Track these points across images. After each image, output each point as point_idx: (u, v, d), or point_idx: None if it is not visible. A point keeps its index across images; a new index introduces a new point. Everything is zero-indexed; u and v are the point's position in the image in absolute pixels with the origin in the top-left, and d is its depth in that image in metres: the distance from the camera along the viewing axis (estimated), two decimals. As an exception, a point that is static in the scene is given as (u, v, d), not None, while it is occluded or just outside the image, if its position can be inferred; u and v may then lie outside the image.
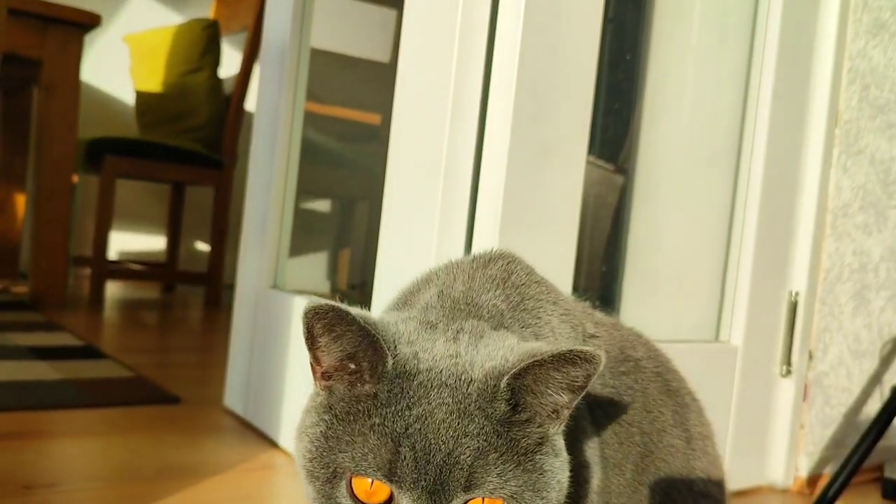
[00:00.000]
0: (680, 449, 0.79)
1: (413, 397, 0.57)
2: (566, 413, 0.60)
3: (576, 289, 1.24)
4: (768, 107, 1.55)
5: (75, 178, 3.26)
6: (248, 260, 1.79)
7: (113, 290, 4.03)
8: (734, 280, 1.57)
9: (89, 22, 2.97)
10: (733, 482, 1.51)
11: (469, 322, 0.64)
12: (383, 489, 0.56)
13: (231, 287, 2.10)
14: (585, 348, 0.56)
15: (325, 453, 0.58)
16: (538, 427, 0.59)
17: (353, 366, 0.59)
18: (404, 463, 0.55)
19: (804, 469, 1.64)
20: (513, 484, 0.57)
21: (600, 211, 1.76)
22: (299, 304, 1.54)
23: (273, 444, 1.54)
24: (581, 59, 1.19)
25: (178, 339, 2.96)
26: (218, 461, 1.42)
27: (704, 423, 0.85)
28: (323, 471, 0.58)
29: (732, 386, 1.52)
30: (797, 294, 1.60)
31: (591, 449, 0.71)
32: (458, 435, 0.56)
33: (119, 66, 3.96)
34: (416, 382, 0.57)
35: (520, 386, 0.57)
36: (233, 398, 1.76)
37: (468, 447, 0.56)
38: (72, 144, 3.00)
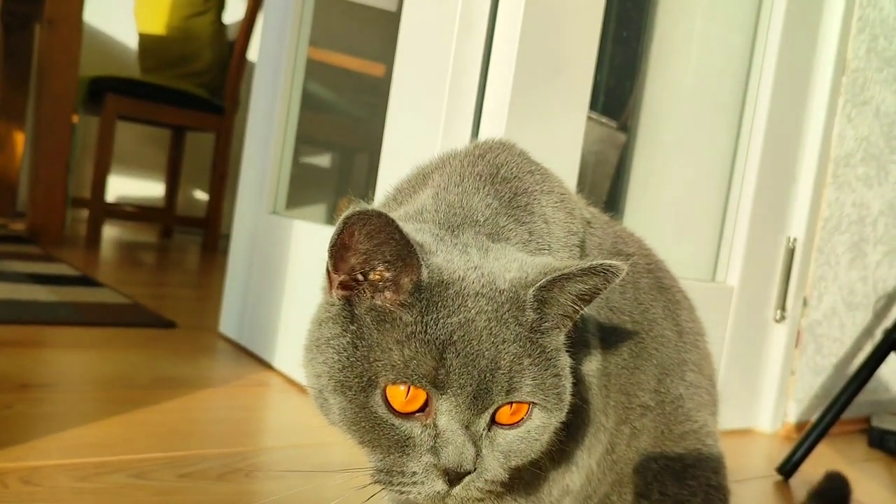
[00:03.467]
0: (671, 340, 0.80)
1: (452, 306, 0.57)
2: (577, 317, 0.62)
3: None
4: (775, 53, 1.54)
5: (75, 118, 3.24)
6: (247, 186, 1.79)
7: (110, 232, 4.03)
8: (733, 222, 1.57)
9: (94, -44, 2.94)
10: (722, 423, 1.52)
11: (468, 234, 0.65)
12: (419, 397, 0.57)
13: (227, 236, 2.10)
14: (611, 262, 0.57)
15: (356, 363, 0.57)
16: (558, 334, 0.61)
17: (388, 274, 0.58)
18: (451, 369, 0.55)
19: (793, 415, 1.65)
20: (542, 388, 0.58)
21: (602, 168, 1.76)
22: (299, 229, 1.55)
23: (268, 365, 1.55)
24: (587, 9, 1.18)
25: (174, 276, 2.97)
26: (212, 376, 1.43)
27: (696, 321, 0.86)
28: (357, 380, 0.57)
29: (726, 327, 1.53)
30: (795, 240, 1.60)
31: (592, 333, 0.72)
32: (498, 341, 0.57)
33: (122, 6, 3.93)
34: (451, 291, 0.58)
35: (545, 297, 0.59)
36: (228, 324, 1.77)
37: (508, 353, 0.57)
38: (73, 79, 2.98)
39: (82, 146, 3.93)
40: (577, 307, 0.60)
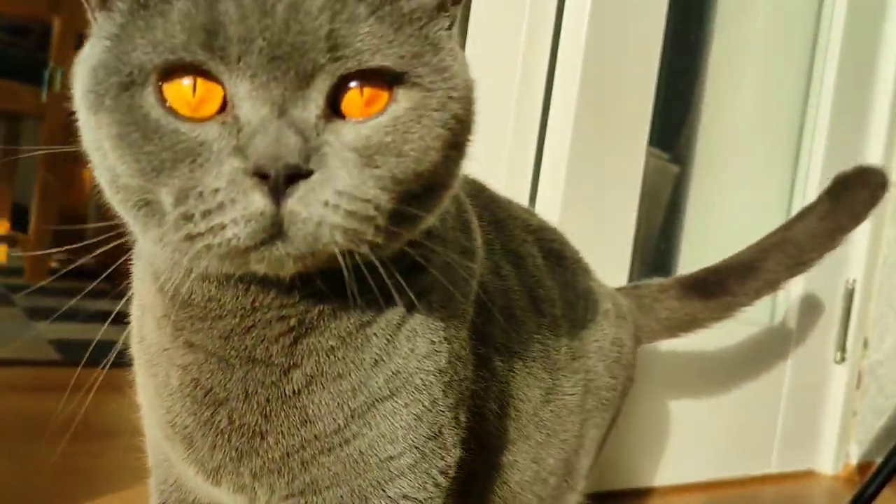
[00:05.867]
0: (541, 267, 0.76)
1: None
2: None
3: (631, 276, 1.27)
4: (832, 87, 1.55)
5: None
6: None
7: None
8: (791, 265, 1.58)
9: None
10: (783, 465, 1.53)
11: None
12: (214, 92, 0.42)
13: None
14: None
15: (112, 59, 0.43)
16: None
17: None
18: (227, 21, 0.41)
19: (854, 457, 1.64)
20: (398, 50, 0.44)
21: (654, 201, 1.77)
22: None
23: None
24: (646, 44, 1.21)
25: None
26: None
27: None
28: (113, 79, 0.43)
29: (786, 369, 1.54)
30: (854, 281, 1.60)
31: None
32: None
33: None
34: None
35: None
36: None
37: None
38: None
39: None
40: None
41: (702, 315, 0.99)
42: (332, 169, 0.42)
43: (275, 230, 0.41)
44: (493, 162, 1.20)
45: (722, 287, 0.98)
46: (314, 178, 0.41)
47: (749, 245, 1.03)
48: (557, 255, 0.81)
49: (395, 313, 0.53)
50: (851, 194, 1.02)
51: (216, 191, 0.41)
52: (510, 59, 1.19)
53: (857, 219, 1.03)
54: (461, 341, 0.59)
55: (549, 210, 1.15)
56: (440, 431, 0.55)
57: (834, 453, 1.62)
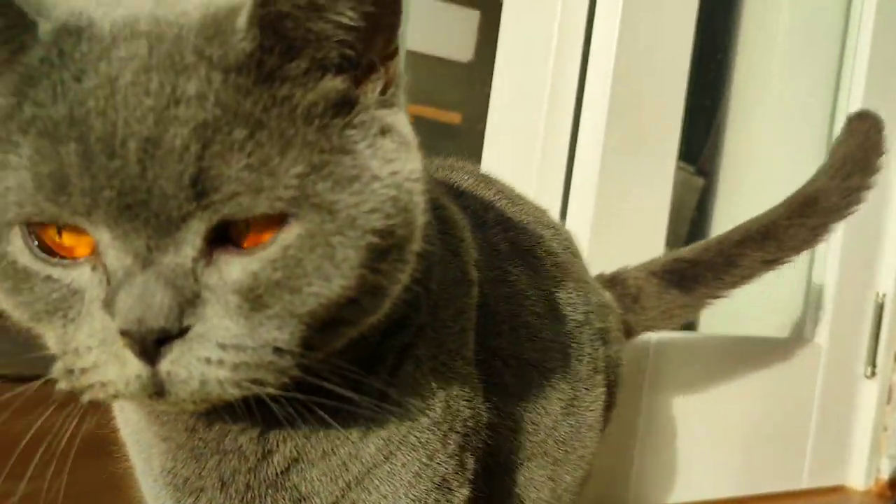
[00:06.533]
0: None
1: (81, 63, 0.36)
2: (394, 67, 0.41)
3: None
4: (859, 102, 1.55)
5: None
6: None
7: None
8: (820, 279, 1.57)
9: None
10: (814, 480, 1.52)
11: None
12: (80, 236, 0.37)
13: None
14: None
15: None
16: (331, 80, 0.39)
17: None
18: (70, 169, 0.35)
19: (886, 471, 1.63)
20: (284, 180, 0.36)
21: (679, 213, 1.77)
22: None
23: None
24: (675, 60, 1.22)
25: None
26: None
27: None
28: None
29: (816, 384, 1.53)
30: (884, 295, 1.59)
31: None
32: (162, 102, 0.34)
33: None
34: (84, 39, 0.36)
35: (279, 22, 0.37)
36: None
37: (188, 120, 0.34)
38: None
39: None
40: (355, 41, 0.38)
41: (679, 311, 0.95)
42: (212, 319, 0.36)
43: (156, 388, 0.37)
44: (523, 179, 1.21)
45: (698, 281, 0.95)
46: (191, 333, 0.36)
47: (730, 230, 1.00)
48: (573, 254, 0.77)
49: (376, 382, 0.47)
50: (830, 199, 1.01)
51: (88, 349, 0.37)
52: (540, 76, 1.20)
53: (837, 219, 1.02)
54: (460, 378, 0.54)
55: (579, 226, 1.16)
56: (443, 480, 0.52)
57: (865, 468, 1.60)
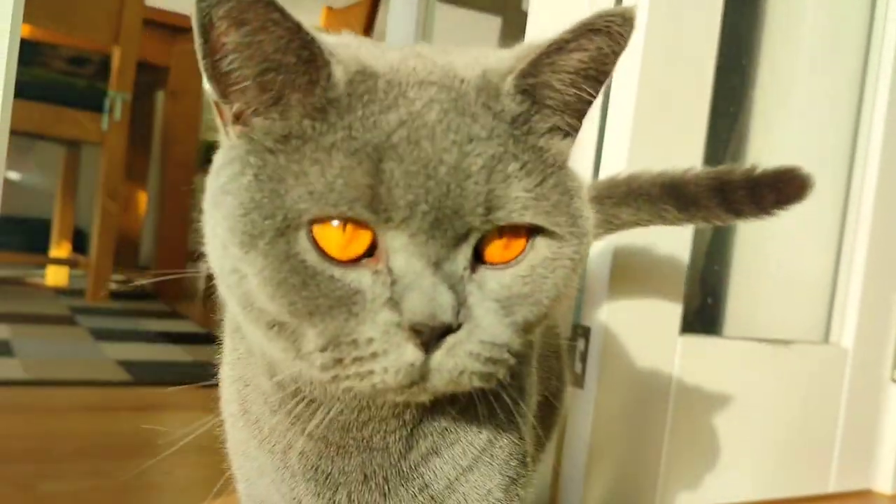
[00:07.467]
0: None
1: (387, 98, 0.43)
2: (588, 107, 0.48)
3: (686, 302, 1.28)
4: (884, 109, 1.55)
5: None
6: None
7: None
8: (846, 282, 1.57)
9: (213, 31, 3.17)
10: (841, 484, 1.52)
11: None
12: (362, 237, 0.43)
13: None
14: (615, 9, 0.45)
15: (265, 200, 0.43)
16: (562, 138, 0.48)
17: (281, 77, 0.44)
18: (393, 183, 0.41)
19: (914, 475, 1.62)
20: (543, 203, 0.45)
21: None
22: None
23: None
24: (699, 67, 1.24)
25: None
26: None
27: None
28: (269, 223, 0.42)
29: (842, 388, 1.53)
30: (910, 299, 1.59)
31: None
32: (462, 139, 0.43)
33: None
34: (383, 81, 0.44)
35: (533, 85, 0.46)
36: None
37: (481, 153, 0.43)
38: (194, 146, 3.20)
39: (198, 204, 4.17)
40: (583, 91, 0.47)
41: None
42: (477, 320, 0.43)
43: (420, 377, 0.43)
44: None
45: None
46: (461, 330, 0.43)
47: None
48: None
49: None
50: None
51: (370, 340, 0.42)
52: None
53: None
54: (531, 358, 0.62)
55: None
56: (524, 454, 0.59)
57: (892, 472, 1.60)
